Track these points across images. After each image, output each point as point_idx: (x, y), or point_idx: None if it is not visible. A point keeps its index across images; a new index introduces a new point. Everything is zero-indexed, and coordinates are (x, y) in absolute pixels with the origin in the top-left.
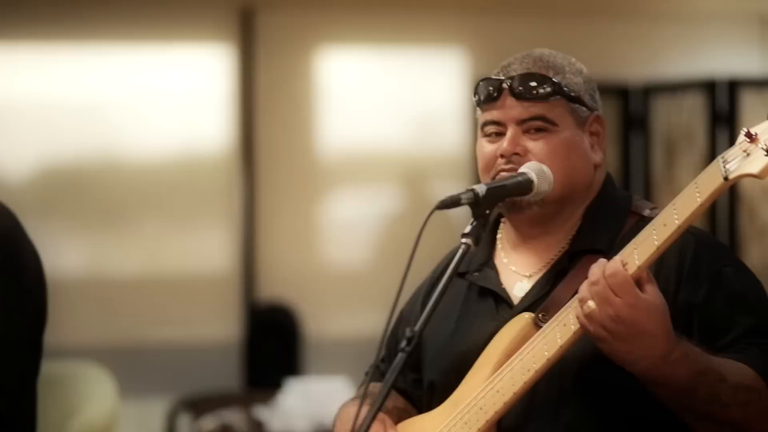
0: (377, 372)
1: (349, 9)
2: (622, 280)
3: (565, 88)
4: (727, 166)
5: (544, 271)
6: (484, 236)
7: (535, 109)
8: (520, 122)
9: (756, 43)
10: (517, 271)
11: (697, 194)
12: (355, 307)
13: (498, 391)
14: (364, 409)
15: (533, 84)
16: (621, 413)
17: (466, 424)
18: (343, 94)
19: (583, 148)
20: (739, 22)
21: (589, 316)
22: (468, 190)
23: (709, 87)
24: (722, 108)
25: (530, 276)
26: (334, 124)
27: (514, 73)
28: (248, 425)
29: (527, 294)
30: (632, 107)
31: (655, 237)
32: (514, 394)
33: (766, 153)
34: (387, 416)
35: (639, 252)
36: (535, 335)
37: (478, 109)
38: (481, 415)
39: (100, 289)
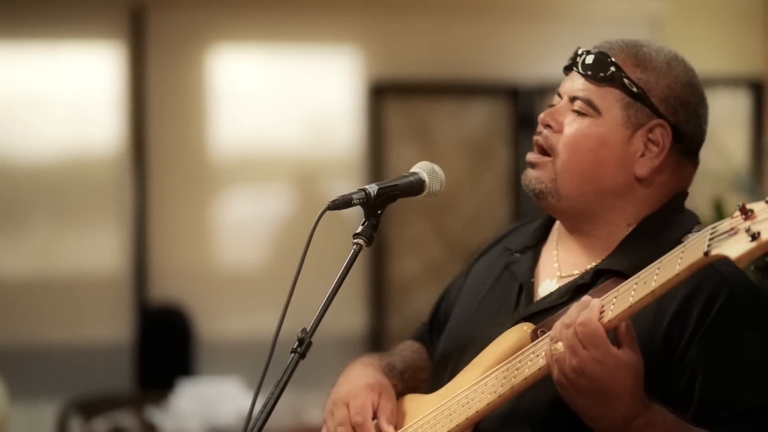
0: (422, 329)
1: (241, 8)
2: (592, 332)
3: (626, 80)
4: (713, 240)
5: (574, 277)
6: (542, 219)
7: (587, 90)
8: (572, 99)
9: None
10: (557, 266)
11: (679, 262)
12: (247, 308)
13: (467, 403)
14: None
15: (595, 65)
16: None
17: (437, 423)
18: (236, 93)
19: (622, 150)
20: (630, 23)
21: (556, 358)
22: (360, 190)
23: None
24: None
25: (563, 277)
26: (227, 123)
27: (596, 49)
28: (140, 427)
29: (545, 297)
30: (523, 107)
31: (633, 293)
32: (478, 411)
33: (750, 239)
34: (387, 385)
35: (616, 303)
36: (518, 353)
37: None
38: (446, 423)
39: None
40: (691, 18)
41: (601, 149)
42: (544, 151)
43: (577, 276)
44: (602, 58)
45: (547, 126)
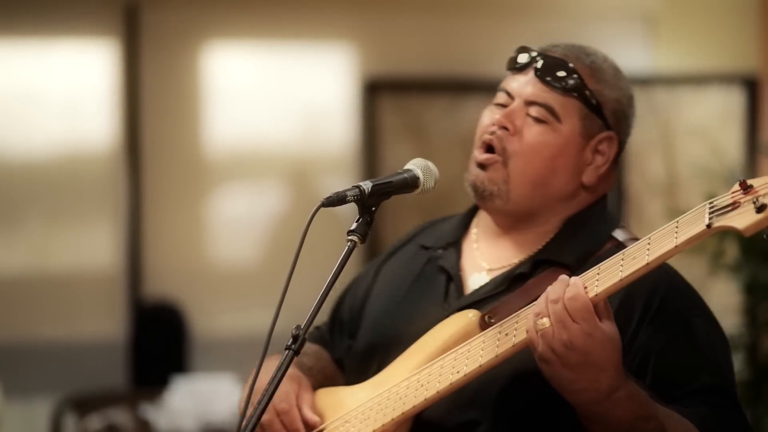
0: (317, 333)
1: (235, 5)
2: (582, 306)
3: (587, 92)
4: (713, 214)
5: (505, 270)
6: (460, 217)
7: (548, 97)
8: (529, 102)
9: (640, 41)
10: (480, 261)
11: (676, 235)
12: (242, 305)
13: (422, 385)
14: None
15: (560, 72)
16: None
17: (382, 410)
18: (230, 90)
19: (576, 159)
20: (624, 21)
21: (541, 333)
22: (354, 187)
23: None
24: None
25: (490, 270)
26: (221, 120)
27: (551, 54)
28: (135, 424)
29: (481, 288)
30: None
31: (621, 268)
32: (438, 392)
33: (756, 210)
34: (305, 377)
35: (601, 279)
36: (475, 337)
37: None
38: (399, 405)
39: None
40: (685, 14)
41: (558, 158)
42: (492, 151)
43: (513, 266)
44: (563, 66)
45: (503, 128)
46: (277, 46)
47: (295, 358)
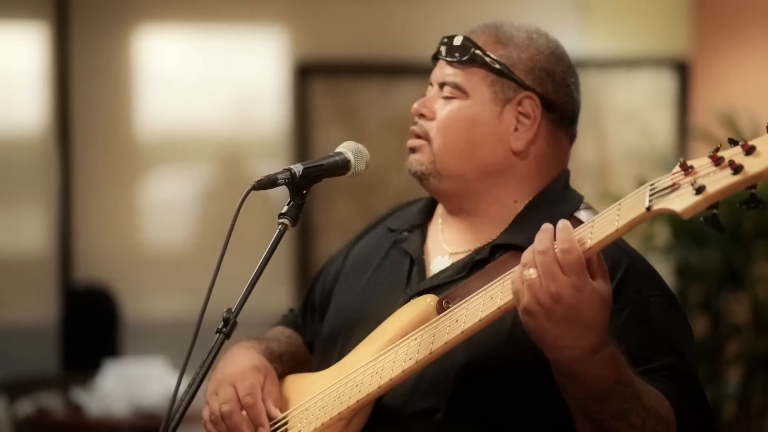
0: (291, 317)
1: None
2: (576, 258)
3: (487, 59)
4: (653, 196)
5: (466, 254)
6: (426, 200)
7: (452, 74)
8: (441, 85)
9: (571, 25)
10: (443, 245)
11: (617, 219)
12: (173, 288)
13: (377, 372)
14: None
15: (457, 49)
16: (494, 427)
17: (339, 397)
18: (161, 73)
19: (494, 126)
20: (555, 4)
21: (528, 284)
22: (285, 170)
23: None
24: None
25: (453, 254)
26: (152, 103)
27: (456, 35)
28: (66, 408)
29: (442, 272)
30: None
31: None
32: (391, 379)
33: (695, 192)
34: (270, 368)
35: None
36: (430, 323)
37: None
38: (355, 393)
39: None
40: None
41: (473, 128)
42: (421, 138)
43: (473, 252)
44: (463, 43)
45: (421, 115)
46: (208, 29)
47: (264, 345)
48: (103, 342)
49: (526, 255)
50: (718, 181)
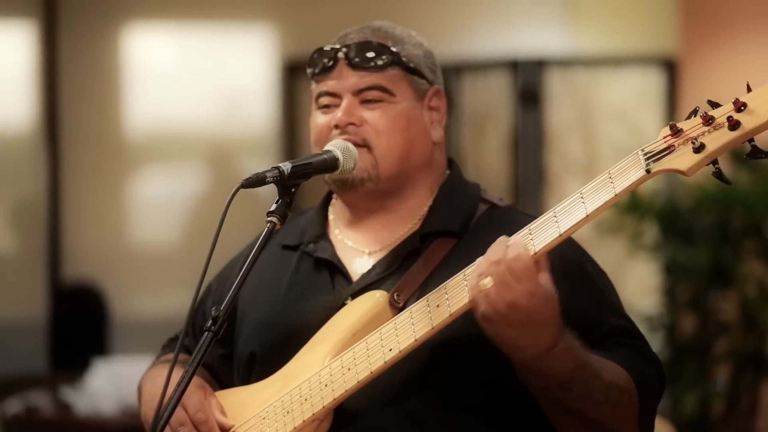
0: (180, 344)
1: None
2: (525, 266)
3: (404, 59)
4: (649, 159)
5: (389, 249)
6: (316, 210)
7: (372, 78)
8: (357, 92)
9: (559, 22)
10: (355, 247)
11: (611, 184)
12: (161, 286)
13: (350, 369)
14: (175, 376)
15: (370, 53)
16: (466, 407)
17: (306, 401)
18: (149, 71)
19: (422, 122)
20: (543, 2)
21: (484, 294)
22: (273, 168)
23: (514, 66)
24: (528, 86)
25: (372, 253)
26: (140, 101)
27: (350, 42)
28: (54, 407)
29: (370, 271)
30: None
31: (557, 224)
32: (371, 372)
33: (694, 150)
34: (205, 382)
35: (536, 237)
36: (398, 316)
37: (313, 81)
38: (328, 393)
39: None
40: None
41: (410, 127)
42: (359, 146)
43: (396, 246)
44: (373, 46)
45: (350, 124)
46: (197, 26)
47: (180, 366)
48: (91, 340)
49: (481, 266)
50: (718, 138)
